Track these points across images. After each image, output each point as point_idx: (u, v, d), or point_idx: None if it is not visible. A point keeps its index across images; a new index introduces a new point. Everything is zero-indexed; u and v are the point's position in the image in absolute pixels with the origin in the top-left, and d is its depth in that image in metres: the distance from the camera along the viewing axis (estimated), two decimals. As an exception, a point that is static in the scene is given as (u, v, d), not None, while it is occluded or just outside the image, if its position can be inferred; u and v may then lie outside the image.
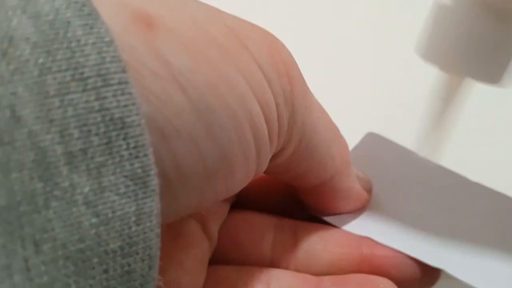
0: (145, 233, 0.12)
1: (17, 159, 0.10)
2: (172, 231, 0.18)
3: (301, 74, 0.17)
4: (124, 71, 0.12)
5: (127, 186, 0.12)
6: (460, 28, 0.17)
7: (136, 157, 0.12)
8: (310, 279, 0.19)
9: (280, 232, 0.20)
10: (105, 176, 0.11)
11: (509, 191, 0.22)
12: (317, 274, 0.20)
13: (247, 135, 0.15)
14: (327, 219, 0.21)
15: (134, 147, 0.12)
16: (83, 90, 0.11)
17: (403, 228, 0.21)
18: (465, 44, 0.17)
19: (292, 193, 0.22)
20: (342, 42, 0.38)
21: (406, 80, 0.35)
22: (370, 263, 0.19)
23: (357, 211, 0.21)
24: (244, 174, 0.16)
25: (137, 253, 0.12)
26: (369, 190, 0.22)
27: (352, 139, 0.21)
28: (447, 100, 0.19)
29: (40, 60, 0.11)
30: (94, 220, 0.11)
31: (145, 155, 0.12)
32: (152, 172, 0.12)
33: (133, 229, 0.12)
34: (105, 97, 0.11)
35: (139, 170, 0.12)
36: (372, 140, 0.24)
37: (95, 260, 0.11)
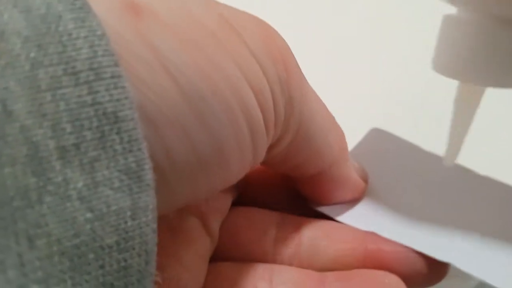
0: (141, 228, 0.12)
1: (9, 154, 0.10)
2: (172, 228, 0.18)
3: (297, 63, 0.17)
4: (116, 64, 0.11)
5: (122, 180, 0.12)
6: (478, 39, 0.17)
7: (130, 151, 0.12)
8: (314, 275, 0.19)
9: (282, 228, 0.20)
10: (98, 171, 0.11)
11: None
12: (321, 270, 0.19)
13: (241, 123, 0.14)
14: (323, 209, 0.21)
15: (128, 141, 0.12)
16: (75, 84, 0.11)
17: (409, 222, 0.20)
18: (485, 54, 0.17)
19: (295, 188, 0.21)
20: (341, 40, 0.38)
21: (405, 78, 0.35)
22: (375, 258, 0.19)
23: (354, 200, 0.21)
24: (239, 164, 0.15)
25: (134, 248, 0.12)
26: (365, 179, 0.22)
27: (351, 137, 0.21)
28: (470, 110, 0.19)
29: (32, 54, 0.11)
30: (88, 215, 0.11)
31: (139, 149, 0.12)
32: (146, 167, 0.12)
33: (129, 224, 0.12)
34: (97, 91, 0.11)
35: (133, 165, 0.12)
36: (377, 136, 0.24)
37: (91, 255, 0.11)
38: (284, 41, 0.16)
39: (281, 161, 0.18)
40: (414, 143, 0.24)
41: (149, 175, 0.12)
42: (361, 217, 0.21)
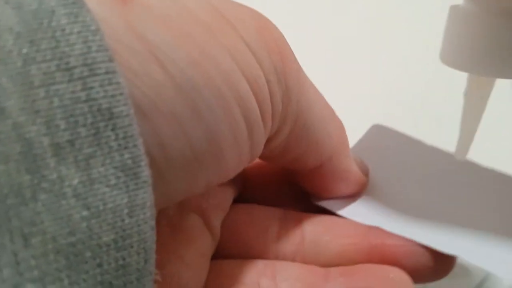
0: (139, 225, 0.12)
1: (2, 151, 0.10)
2: (173, 226, 0.18)
3: (293, 53, 0.16)
4: (111, 60, 0.11)
5: (118, 177, 0.11)
6: (485, 30, 0.17)
7: (126, 147, 0.11)
8: (318, 270, 0.19)
9: (284, 224, 0.20)
10: (94, 168, 0.11)
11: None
12: (325, 265, 0.19)
13: (236, 115, 0.14)
14: (324, 204, 0.21)
15: (123, 138, 0.11)
16: (69, 80, 0.11)
17: (413, 216, 0.20)
18: (494, 45, 0.17)
19: (296, 185, 0.21)
20: (341, 39, 0.38)
21: (405, 78, 0.34)
22: (380, 253, 0.19)
23: (355, 194, 0.21)
24: (237, 158, 0.15)
25: (132, 247, 0.12)
26: (366, 173, 0.21)
27: (351, 136, 0.21)
28: (480, 102, 0.19)
29: (24, 50, 0.10)
30: (84, 212, 0.11)
31: (135, 146, 0.12)
32: (143, 163, 0.12)
33: (126, 221, 0.11)
34: (91, 87, 0.11)
35: (129, 161, 0.12)
36: (378, 132, 0.24)
37: (88, 254, 0.11)
38: (280, 32, 0.16)
39: (280, 154, 0.18)
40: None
41: (145, 172, 0.12)
42: (363, 212, 0.20)
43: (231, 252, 0.19)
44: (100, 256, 0.11)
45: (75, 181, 0.11)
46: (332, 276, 0.18)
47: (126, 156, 0.11)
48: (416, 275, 0.18)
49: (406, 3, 0.39)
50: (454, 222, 0.20)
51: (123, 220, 0.11)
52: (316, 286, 0.18)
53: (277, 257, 0.19)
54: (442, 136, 0.22)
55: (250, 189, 0.21)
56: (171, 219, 0.18)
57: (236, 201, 0.21)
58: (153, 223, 0.12)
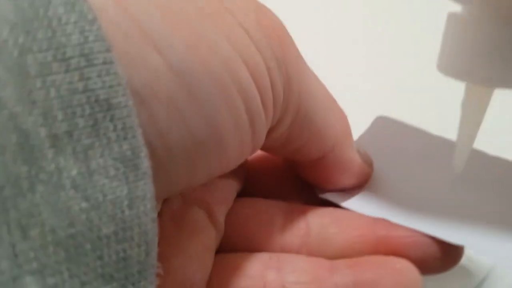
0: (139, 217, 0.12)
1: None
2: (177, 219, 0.18)
3: (293, 41, 0.16)
4: (108, 50, 0.11)
5: (117, 168, 0.11)
6: (485, 38, 0.17)
7: (125, 138, 0.11)
8: (324, 262, 0.18)
9: (289, 217, 0.20)
10: (93, 159, 0.11)
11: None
12: (331, 258, 0.19)
13: (235, 101, 0.14)
14: (328, 196, 0.20)
15: (122, 129, 0.11)
16: (66, 71, 0.11)
17: (420, 207, 0.20)
18: (492, 54, 0.17)
19: (300, 178, 0.21)
20: (341, 38, 0.38)
21: (405, 78, 0.34)
22: (386, 244, 0.18)
23: (359, 186, 0.21)
24: (237, 146, 0.15)
25: (133, 239, 0.11)
26: (370, 164, 0.21)
27: (353, 131, 0.20)
28: (478, 113, 0.19)
29: (20, 40, 0.10)
30: (84, 204, 0.11)
31: (134, 137, 0.11)
32: (142, 154, 0.12)
33: (126, 213, 0.11)
34: (89, 78, 0.11)
35: (129, 152, 0.11)
36: (383, 123, 0.23)
37: (88, 246, 0.11)
38: (280, 20, 0.16)
39: (282, 145, 0.18)
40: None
41: (145, 163, 0.12)
42: (368, 204, 0.20)
43: (236, 246, 0.19)
44: (100, 248, 0.11)
45: (74, 172, 0.11)
46: (338, 268, 0.18)
47: (125, 147, 0.11)
48: (424, 266, 0.18)
49: (406, 3, 0.39)
50: (461, 213, 0.19)
51: (123, 212, 0.11)
52: (323, 278, 0.18)
53: (282, 250, 0.19)
54: (445, 131, 0.22)
55: (253, 183, 0.21)
56: (174, 213, 0.18)
57: (240, 195, 0.20)
58: (154, 215, 0.12)
